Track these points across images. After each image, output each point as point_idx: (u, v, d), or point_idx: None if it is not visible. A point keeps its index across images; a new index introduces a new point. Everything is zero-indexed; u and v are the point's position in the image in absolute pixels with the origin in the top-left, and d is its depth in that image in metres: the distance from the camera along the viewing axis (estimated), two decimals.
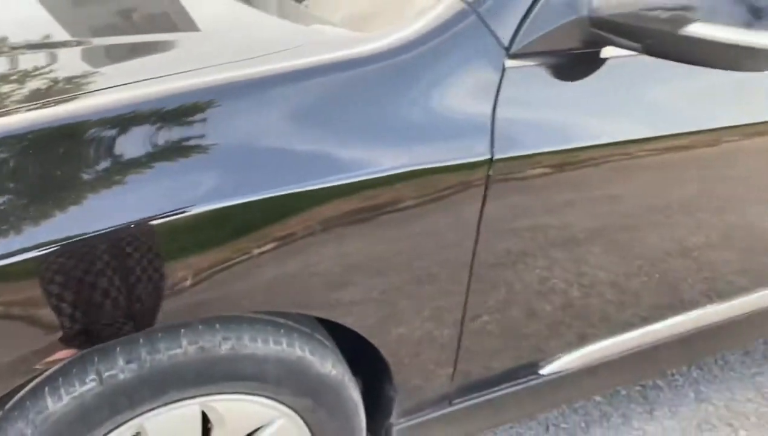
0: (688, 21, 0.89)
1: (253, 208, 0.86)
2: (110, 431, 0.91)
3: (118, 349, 0.88)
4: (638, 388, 1.75)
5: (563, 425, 1.61)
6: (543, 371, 1.34)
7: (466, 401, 1.28)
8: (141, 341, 0.89)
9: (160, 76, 0.89)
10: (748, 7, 0.88)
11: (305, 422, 1.08)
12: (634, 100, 1.08)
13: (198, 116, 0.85)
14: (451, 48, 0.93)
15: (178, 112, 0.85)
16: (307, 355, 1.01)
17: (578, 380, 1.41)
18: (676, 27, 0.90)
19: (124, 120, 0.83)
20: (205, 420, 1.01)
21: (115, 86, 0.88)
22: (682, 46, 0.91)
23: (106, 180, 0.81)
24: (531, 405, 1.40)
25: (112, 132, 0.82)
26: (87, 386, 0.86)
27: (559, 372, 1.35)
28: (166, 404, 0.93)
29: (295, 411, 1.05)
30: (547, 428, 1.60)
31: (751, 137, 1.20)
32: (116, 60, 1.09)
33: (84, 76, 0.97)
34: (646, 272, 1.27)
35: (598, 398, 1.70)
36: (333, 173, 0.89)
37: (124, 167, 0.82)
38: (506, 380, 1.31)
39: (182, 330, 0.91)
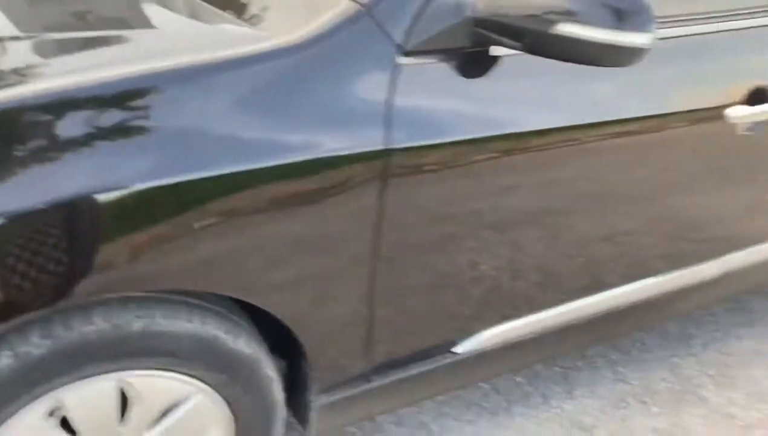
0: (559, 21, 0.99)
1: (164, 192, 0.92)
2: (28, 402, 0.97)
3: (34, 325, 0.94)
4: (559, 369, 1.85)
5: (485, 404, 1.71)
6: (458, 350, 1.43)
7: (384, 378, 1.36)
8: (56, 318, 0.95)
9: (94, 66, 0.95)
10: (612, 10, 0.98)
11: (222, 397, 1.15)
12: (525, 94, 1.17)
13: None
14: (347, 46, 1.02)
15: (109, 99, 0.92)
16: (221, 333, 1.08)
17: (494, 358, 1.50)
18: (548, 27, 0.99)
19: (61, 105, 0.89)
20: (125, 399, 1.07)
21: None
22: (554, 44, 1.00)
23: (29, 161, 0.87)
24: (448, 382, 1.48)
25: (47, 116, 0.89)
26: (2, 361, 0.92)
27: (475, 351, 1.44)
28: (81, 378, 0.99)
29: (211, 387, 1.12)
30: (470, 407, 1.69)
31: (634, 132, 1.31)
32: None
33: (30, 66, 1.03)
34: (548, 255, 1.37)
35: (519, 379, 1.79)
36: (241, 161, 0.97)
37: (44, 150, 0.88)
38: (422, 358, 1.39)
39: (97, 308, 0.97)
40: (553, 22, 0.98)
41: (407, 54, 1.05)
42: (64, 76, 0.94)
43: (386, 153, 1.04)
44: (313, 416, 1.30)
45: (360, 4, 1.03)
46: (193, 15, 1.21)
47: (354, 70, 1.02)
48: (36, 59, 1.09)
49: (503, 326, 1.45)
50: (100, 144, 0.90)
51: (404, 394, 1.42)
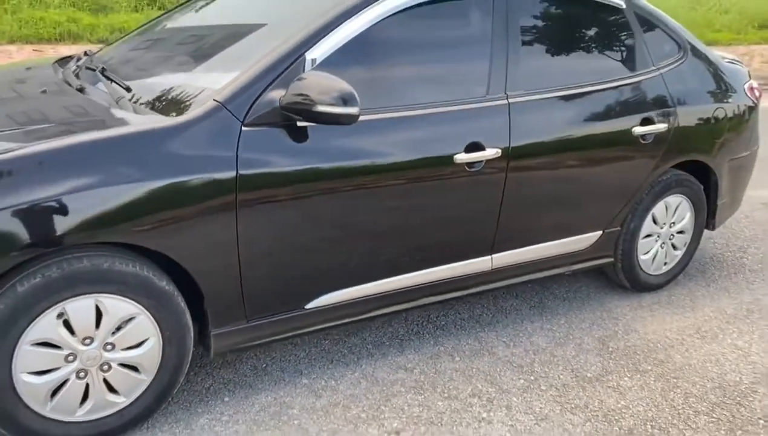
0: (316, 104, 2.00)
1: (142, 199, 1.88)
2: (47, 308, 1.86)
3: (53, 261, 1.85)
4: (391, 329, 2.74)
5: (342, 349, 2.58)
6: (308, 306, 2.34)
7: (258, 320, 2.26)
8: (64, 257, 1.87)
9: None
10: (340, 97, 2.00)
11: (154, 318, 2.04)
12: (323, 147, 2.17)
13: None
14: (213, 122, 2.02)
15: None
16: (151, 276, 2.00)
17: (333, 314, 2.39)
18: (312, 107, 2.01)
19: None
20: (100, 313, 1.96)
21: None
22: (317, 117, 2.01)
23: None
24: (302, 327, 2.36)
25: None
26: (37, 280, 1.83)
27: (319, 307, 2.35)
28: (76, 296, 1.89)
29: (147, 310, 2.02)
30: (321, 344, 2.57)
31: (397, 174, 2.31)
32: None
33: None
34: (359, 248, 2.32)
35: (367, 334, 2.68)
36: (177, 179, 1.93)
37: None
38: (283, 310, 2.29)
39: (86, 254, 1.89)
40: (315, 105, 2.00)
41: (246, 126, 2.05)
42: None
43: (237, 178, 2.02)
44: (212, 342, 2.19)
45: (218, 102, 2.05)
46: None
47: (219, 134, 2.02)
48: None
49: (338, 292, 2.37)
50: None
51: (272, 332, 2.30)
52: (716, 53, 3.43)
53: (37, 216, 1.79)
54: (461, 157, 2.42)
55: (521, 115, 2.56)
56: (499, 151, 2.49)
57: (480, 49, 2.55)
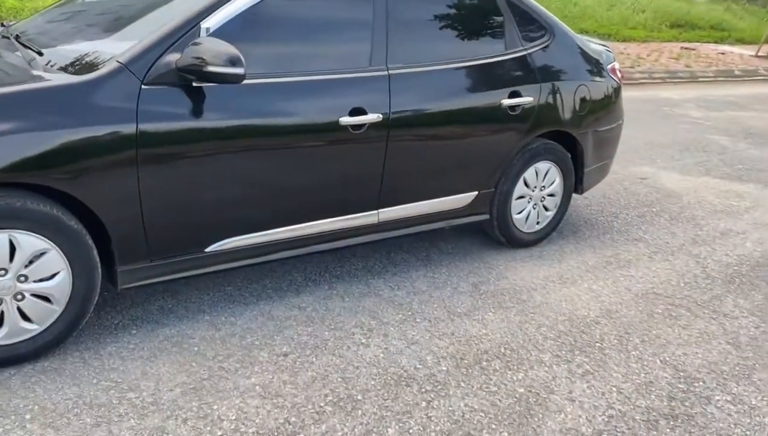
0: (207, 65, 2.31)
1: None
2: None
3: None
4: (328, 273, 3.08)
5: (245, 292, 2.90)
6: (207, 250, 2.65)
7: (159, 260, 2.55)
8: None
9: None
10: (228, 58, 2.32)
11: (64, 253, 2.31)
12: (217, 106, 2.48)
13: None
14: (116, 80, 2.30)
15: None
16: (61, 215, 2.27)
17: (229, 257, 2.71)
18: (204, 67, 2.31)
19: None
20: (13, 247, 2.22)
21: None
22: (209, 76, 2.32)
23: None
24: (200, 268, 2.66)
25: None
26: None
27: (215, 251, 2.66)
28: None
29: (57, 245, 2.29)
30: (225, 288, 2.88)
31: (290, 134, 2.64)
32: None
33: None
34: (256, 198, 2.63)
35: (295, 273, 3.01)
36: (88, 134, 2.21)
37: None
38: (184, 252, 2.59)
39: (1, 193, 2.15)
40: (206, 65, 2.31)
41: (145, 84, 2.34)
42: None
43: (137, 132, 2.30)
44: (118, 278, 2.47)
45: (120, 63, 2.33)
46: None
47: (121, 91, 2.30)
48: None
49: (235, 238, 2.69)
50: None
51: (173, 270, 2.59)
52: (583, 38, 3.90)
53: None
54: (345, 119, 2.77)
55: (400, 85, 2.93)
56: (381, 116, 2.85)
57: (363, 26, 2.90)
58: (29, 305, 2.30)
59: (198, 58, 2.33)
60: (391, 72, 2.92)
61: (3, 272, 2.22)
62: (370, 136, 2.86)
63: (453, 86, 3.14)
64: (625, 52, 12.16)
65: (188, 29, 2.44)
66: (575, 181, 3.85)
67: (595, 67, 3.78)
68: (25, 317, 2.31)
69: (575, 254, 3.76)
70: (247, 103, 2.55)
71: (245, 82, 2.42)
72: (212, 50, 2.32)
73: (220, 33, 2.49)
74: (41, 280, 2.29)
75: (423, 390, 2.44)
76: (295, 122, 2.67)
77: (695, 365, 2.78)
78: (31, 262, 2.26)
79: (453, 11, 3.25)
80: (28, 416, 2.11)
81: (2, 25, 3.19)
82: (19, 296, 2.27)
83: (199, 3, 2.53)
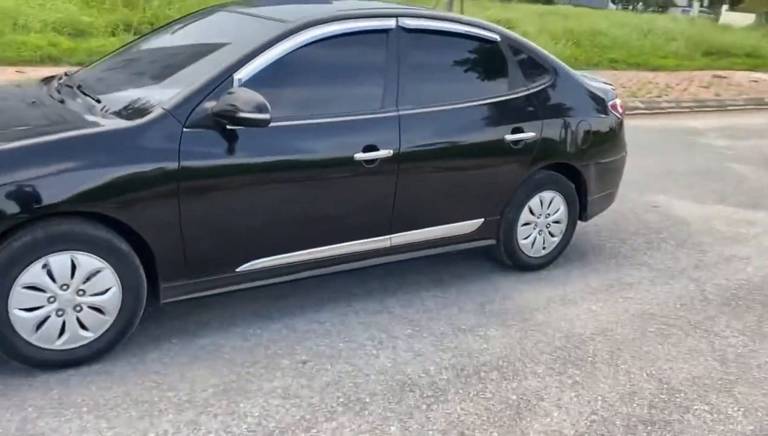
0: (238, 112, 2.71)
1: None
2: (35, 260, 2.53)
3: (39, 226, 2.52)
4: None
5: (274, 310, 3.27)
6: (238, 270, 3.03)
7: (198, 278, 2.93)
8: (48, 222, 2.54)
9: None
10: (257, 106, 2.71)
11: (116, 271, 2.71)
12: (249, 146, 2.87)
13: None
14: (161, 124, 2.71)
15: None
16: (113, 238, 2.67)
17: (259, 276, 3.08)
18: (236, 114, 2.71)
19: None
20: (74, 266, 2.63)
21: None
22: (239, 121, 2.72)
23: None
24: (233, 285, 3.04)
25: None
26: (28, 237, 2.50)
27: (246, 271, 3.03)
28: (57, 252, 2.56)
29: (110, 265, 2.69)
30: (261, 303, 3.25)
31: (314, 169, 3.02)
32: None
33: None
34: (282, 228, 3.01)
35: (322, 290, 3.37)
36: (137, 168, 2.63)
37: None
38: (219, 271, 2.97)
39: (65, 220, 2.56)
40: (238, 111, 2.71)
41: (186, 127, 2.75)
42: None
43: (179, 168, 2.71)
44: (161, 293, 2.86)
45: (165, 109, 2.75)
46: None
47: (165, 133, 2.71)
48: None
49: (262, 259, 3.06)
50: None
51: (209, 288, 2.98)
52: (585, 77, 4.21)
53: (32, 191, 2.46)
54: (359, 155, 3.14)
55: (409, 124, 3.29)
56: (391, 151, 3.21)
57: (376, 72, 3.29)
58: (86, 315, 2.69)
59: (231, 105, 2.73)
60: (401, 113, 3.29)
61: (65, 287, 2.62)
62: (382, 170, 3.22)
63: (458, 124, 3.49)
64: (654, 81, 12.35)
65: (223, 80, 2.85)
66: (579, 209, 4.12)
67: (597, 103, 4.08)
68: (82, 325, 2.70)
69: (580, 277, 4.02)
70: (273, 142, 2.94)
71: (272, 124, 2.80)
72: (243, 98, 2.72)
73: (250, 82, 2.89)
74: (96, 294, 2.69)
75: (424, 395, 2.74)
76: (316, 158, 3.05)
77: (679, 378, 3.02)
78: (88, 278, 2.66)
79: (459, 56, 3.62)
80: (84, 409, 2.49)
81: (66, 74, 3.66)
82: (78, 308, 2.67)
83: (232, 56, 2.95)
